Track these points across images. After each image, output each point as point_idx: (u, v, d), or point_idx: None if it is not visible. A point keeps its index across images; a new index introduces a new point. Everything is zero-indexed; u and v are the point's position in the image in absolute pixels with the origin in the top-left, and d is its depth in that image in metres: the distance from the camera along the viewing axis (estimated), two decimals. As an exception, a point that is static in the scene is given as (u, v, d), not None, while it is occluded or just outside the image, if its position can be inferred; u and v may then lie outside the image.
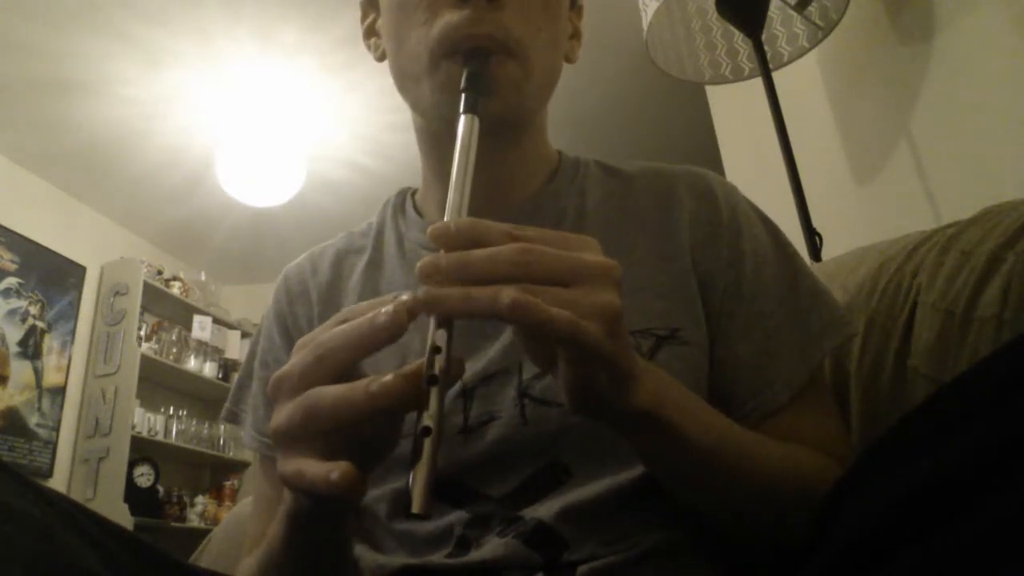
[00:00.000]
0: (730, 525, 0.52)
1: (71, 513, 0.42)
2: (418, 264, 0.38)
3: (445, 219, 0.42)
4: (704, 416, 0.48)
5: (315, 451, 0.38)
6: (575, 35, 0.69)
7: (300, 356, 0.40)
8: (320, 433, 0.38)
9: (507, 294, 0.35)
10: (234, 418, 0.71)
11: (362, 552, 0.60)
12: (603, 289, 0.38)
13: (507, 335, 0.59)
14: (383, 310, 0.38)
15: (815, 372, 0.58)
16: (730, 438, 0.49)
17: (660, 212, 0.64)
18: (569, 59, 0.67)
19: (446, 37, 0.55)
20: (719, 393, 0.57)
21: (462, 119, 0.49)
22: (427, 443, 0.37)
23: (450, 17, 0.55)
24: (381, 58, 0.67)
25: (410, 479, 0.36)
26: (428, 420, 0.38)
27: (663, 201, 0.64)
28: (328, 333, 0.39)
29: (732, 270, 0.60)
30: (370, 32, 0.69)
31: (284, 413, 0.39)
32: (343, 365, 0.39)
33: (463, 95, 0.51)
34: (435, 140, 0.64)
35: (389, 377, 0.37)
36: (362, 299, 0.66)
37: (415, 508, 0.36)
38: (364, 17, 0.70)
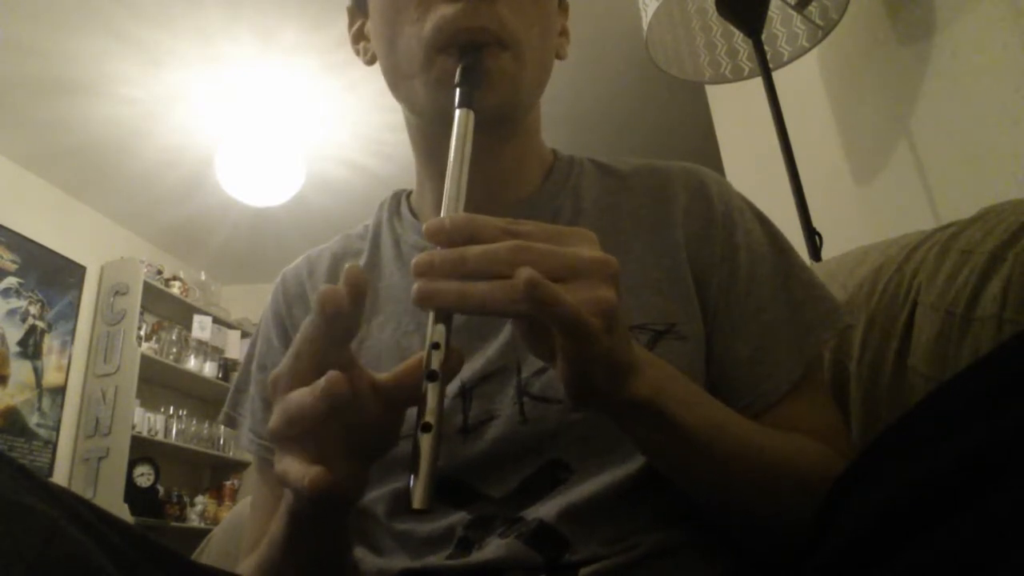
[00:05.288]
0: (731, 515, 0.52)
1: (76, 508, 0.42)
2: (413, 260, 0.39)
3: (441, 215, 0.42)
4: (703, 406, 0.48)
5: (306, 451, 0.39)
6: (563, 33, 0.69)
7: (284, 357, 0.41)
8: (306, 434, 0.39)
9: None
10: (232, 422, 0.71)
11: (362, 555, 0.59)
12: (600, 284, 0.38)
13: (505, 334, 0.59)
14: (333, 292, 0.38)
15: (812, 365, 0.58)
16: (730, 428, 0.49)
17: (655, 209, 0.64)
18: (559, 56, 0.68)
19: (440, 31, 0.55)
20: (717, 387, 0.58)
21: (457, 114, 0.48)
22: (427, 439, 0.37)
23: (444, 11, 0.55)
24: (371, 61, 0.67)
25: (411, 476, 0.37)
26: (428, 416, 0.38)
27: (658, 198, 0.64)
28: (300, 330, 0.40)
29: (727, 265, 0.60)
30: (358, 37, 0.69)
31: (274, 415, 0.40)
32: (315, 359, 0.39)
33: (458, 90, 0.51)
34: (430, 139, 0.64)
35: (333, 373, 0.37)
36: None
37: (416, 503, 0.36)
38: (351, 23, 0.70)
